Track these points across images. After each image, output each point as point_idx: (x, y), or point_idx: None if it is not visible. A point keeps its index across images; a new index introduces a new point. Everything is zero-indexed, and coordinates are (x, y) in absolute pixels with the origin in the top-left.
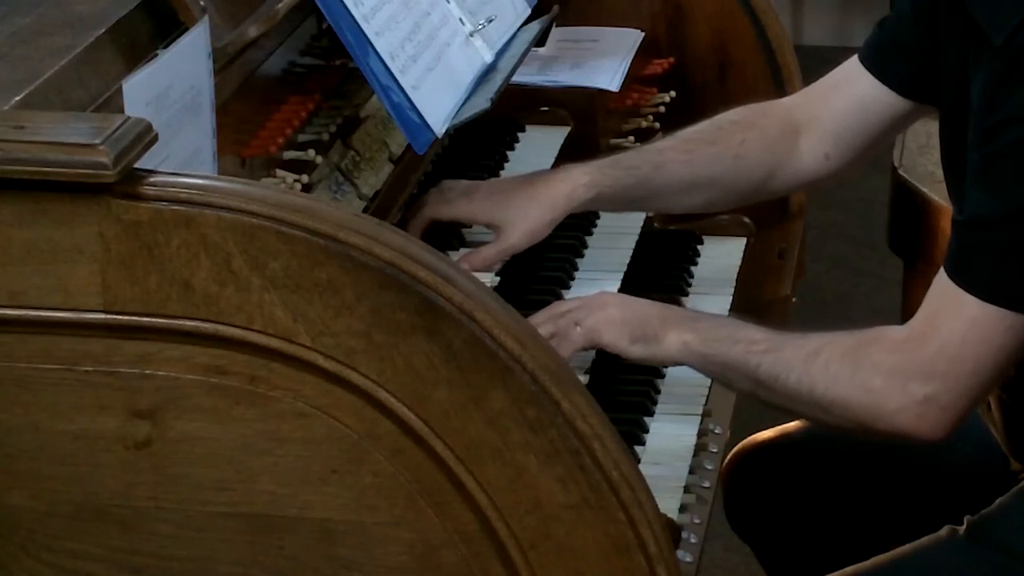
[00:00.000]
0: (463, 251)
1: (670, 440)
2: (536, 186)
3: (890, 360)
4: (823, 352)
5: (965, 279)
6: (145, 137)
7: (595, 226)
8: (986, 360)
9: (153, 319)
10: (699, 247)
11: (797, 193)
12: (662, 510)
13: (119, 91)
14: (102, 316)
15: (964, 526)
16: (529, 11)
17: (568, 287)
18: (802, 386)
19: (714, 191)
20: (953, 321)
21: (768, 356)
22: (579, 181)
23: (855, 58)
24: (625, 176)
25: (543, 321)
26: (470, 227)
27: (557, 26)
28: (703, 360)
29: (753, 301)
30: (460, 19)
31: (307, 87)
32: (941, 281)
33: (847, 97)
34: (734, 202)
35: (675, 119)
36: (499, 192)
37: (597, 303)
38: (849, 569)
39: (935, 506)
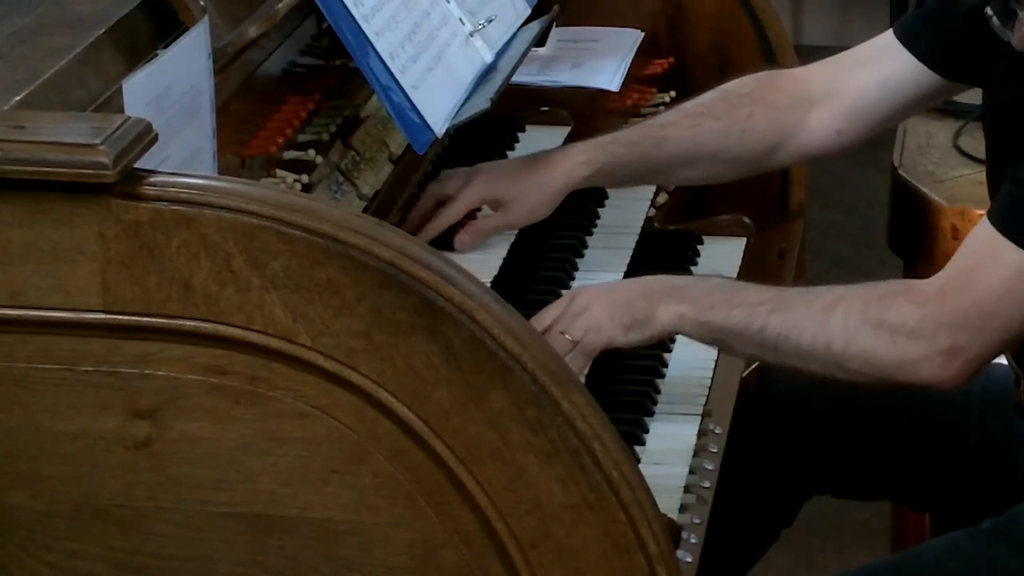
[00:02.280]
0: None
1: (670, 440)
2: (536, 166)
3: (919, 312)
4: (838, 307)
5: (1015, 231)
6: (145, 137)
7: (595, 226)
8: (1020, 314)
9: (153, 319)
10: (699, 247)
11: (797, 193)
12: (662, 510)
13: (119, 91)
14: (102, 316)
15: (988, 525)
16: (529, 11)
17: (568, 287)
18: (817, 343)
19: (716, 164)
20: (992, 275)
21: (773, 317)
22: (577, 159)
23: (888, 33)
24: (625, 152)
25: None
26: (474, 217)
27: (557, 26)
28: (700, 328)
29: None
30: (460, 19)
31: (307, 87)
32: (982, 234)
33: (874, 72)
34: (735, 174)
35: None
36: (499, 172)
37: (579, 307)
38: (867, 564)
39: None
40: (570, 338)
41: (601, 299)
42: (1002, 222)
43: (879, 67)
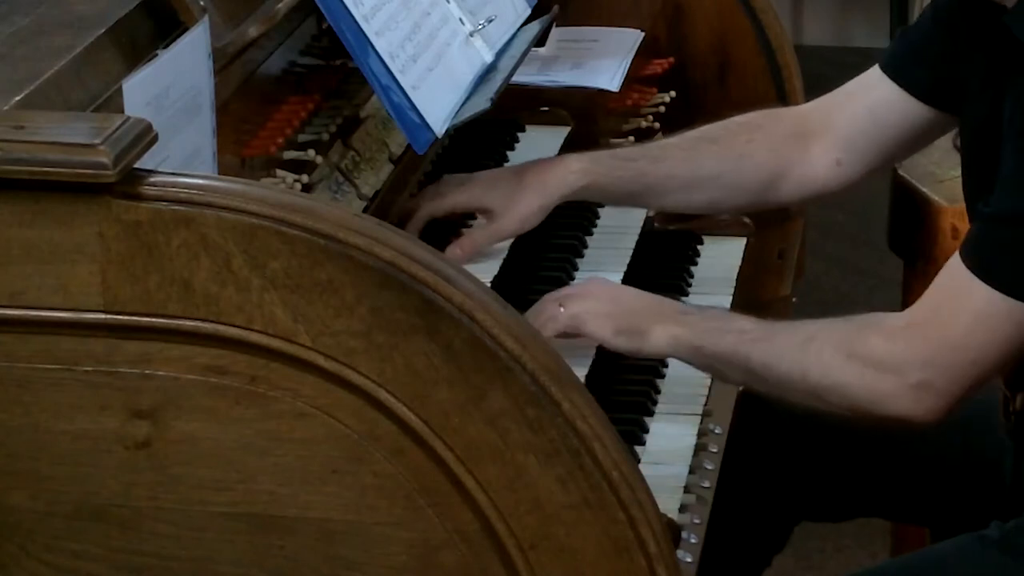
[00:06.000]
0: None
1: (670, 440)
2: (529, 172)
3: (888, 346)
4: (816, 339)
5: (984, 270)
6: (145, 137)
7: (595, 226)
8: (990, 351)
9: (153, 319)
10: (699, 247)
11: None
12: (662, 510)
13: (119, 91)
14: (102, 316)
15: (997, 534)
16: (529, 11)
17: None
18: (794, 373)
19: (717, 190)
20: (960, 311)
21: (759, 345)
22: (571, 167)
23: (876, 67)
24: (621, 166)
25: (536, 305)
26: (469, 224)
27: (557, 26)
28: (693, 352)
29: (753, 301)
30: (460, 19)
31: (307, 87)
32: (951, 271)
33: (863, 103)
34: (740, 203)
35: (675, 119)
36: (492, 179)
37: (586, 291)
38: (872, 567)
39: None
40: (563, 311)
41: (610, 295)
42: (971, 259)
43: (867, 97)
